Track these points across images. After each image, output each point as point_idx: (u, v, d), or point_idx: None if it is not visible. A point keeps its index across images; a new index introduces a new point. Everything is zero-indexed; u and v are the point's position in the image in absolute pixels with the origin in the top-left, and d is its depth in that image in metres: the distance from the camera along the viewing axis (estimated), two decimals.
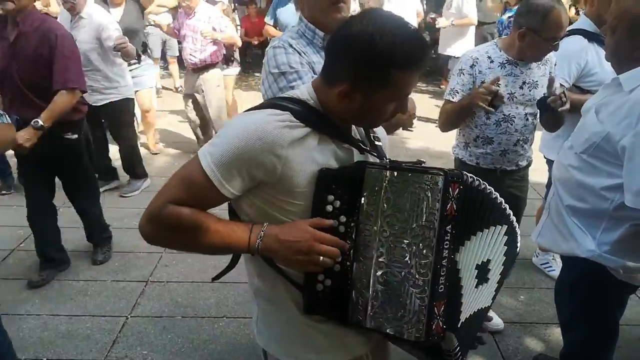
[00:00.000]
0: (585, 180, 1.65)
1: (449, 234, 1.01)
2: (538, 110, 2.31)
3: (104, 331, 2.62)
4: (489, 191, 1.11)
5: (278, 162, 1.02)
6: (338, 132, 1.11)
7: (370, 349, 1.23)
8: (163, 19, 5.42)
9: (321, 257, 1.04)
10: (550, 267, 3.19)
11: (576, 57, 2.55)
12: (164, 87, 7.73)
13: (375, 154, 1.18)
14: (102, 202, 3.98)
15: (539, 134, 2.62)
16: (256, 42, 8.67)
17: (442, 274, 1.02)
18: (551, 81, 2.17)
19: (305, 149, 1.05)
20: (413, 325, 1.02)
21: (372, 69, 1.01)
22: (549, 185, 2.23)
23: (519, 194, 2.45)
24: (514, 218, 1.18)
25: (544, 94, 2.26)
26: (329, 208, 1.06)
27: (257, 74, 8.60)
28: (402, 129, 1.95)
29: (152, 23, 5.23)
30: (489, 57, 2.26)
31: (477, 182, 1.09)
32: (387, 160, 1.17)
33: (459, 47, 6.34)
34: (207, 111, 4.79)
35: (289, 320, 1.16)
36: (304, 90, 1.14)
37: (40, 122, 2.64)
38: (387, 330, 1.05)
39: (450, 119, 2.34)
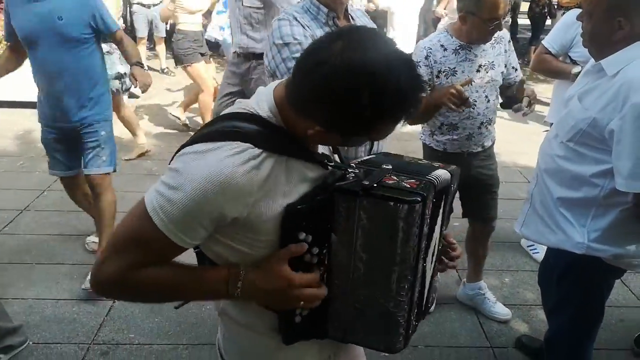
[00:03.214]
0: (573, 169, 1.65)
1: (423, 250, 0.99)
2: (499, 91, 2.37)
3: (90, 315, 2.61)
4: (445, 180, 1.06)
5: (245, 209, 0.92)
6: (304, 152, 0.99)
7: (334, 349, 1.19)
8: None
9: (301, 302, 0.98)
10: (535, 249, 3.23)
11: (571, 28, 2.65)
12: (150, 68, 7.60)
13: (341, 164, 1.07)
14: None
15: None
16: None
17: (417, 286, 1.02)
18: (522, 83, 2.25)
19: (273, 184, 0.93)
20: (393, 339, 1.03)
21: (356, 124, 0.88)
22: None
23: (488, 172, 2.51)
24: (450, 184, 1.10)
25: (511, 93, 2.31)
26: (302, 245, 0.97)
27: None
28: None
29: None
30: (442, 46, 2.26)
31: (439, 181, 1.02)
32: (353, 171, 1.02)
33: None
34: None
35: (260, 342, 1.09)
36: (264, 105, 0.97)
37: None
38: (368, 345, 1.06)
39: (418, 115, 2.33)
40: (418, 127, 2.56)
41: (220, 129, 0.95)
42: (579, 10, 2.63)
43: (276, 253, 0.97)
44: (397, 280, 0.97)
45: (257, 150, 0.91)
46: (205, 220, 0.91)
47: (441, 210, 1.08)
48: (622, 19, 1.53)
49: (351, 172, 1.01)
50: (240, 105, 1.01)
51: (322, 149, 1.09)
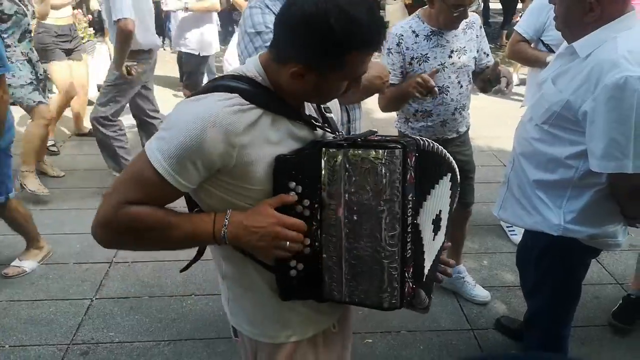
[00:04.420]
0: (548, 151, 1.67)
1: (410, 202, 1.04)
2: (471, 76, 2.37)
3: (68, 315, 2.56)
4: (437, 148, 1.15)
5: (233, 150, 0.99)
6: (290, 111, 1.08)
7: (336, 318, 1.27)
8: None
9: (287, 242, 1.03)
10: (513, 231, 3.28)
11: (543, 11, 2.65)
12: None
13: (329, 129, 1.15)
14: (62, 182, 3.86)
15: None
16: None
17: (408, 240, 1.06)
18: (495, 66, 2.23)
19: (260, 132, 1.02)
20: (388, 294, 1.05)
21: (329, 53, 0.98)
22: None
23: (464, 158, 2.52)
24: (453, 163, 1.21)
25: (487, 77, 2.28)
26: (292, 194, 1.04)
27: None
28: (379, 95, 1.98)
29: None
30: (414, 32, 2.26)
31: (428, 144, 1.11)
32: (341, 135, 1.14)
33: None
34: None
35: (262, 303, 1.15)
36: (250, 67, 1.08)
37: None
38: (363, 303, 1.08)
39: (390, 104, 2.33)
40: (393, 115, 2.56)
41: (210, 86, 1.06)
42: None
43: (266, 199, 1.04)
44: (385, 229, 1.02)
45: (244, 100, 1.01)
46: (197, 160, 0.98)
47: (442, 186, 1.15)
48: (593, 1, 1.54)
49: (339, 134, 1.13)
50: (231, 70, 1.13)
51: (309, 112, 1.16)
